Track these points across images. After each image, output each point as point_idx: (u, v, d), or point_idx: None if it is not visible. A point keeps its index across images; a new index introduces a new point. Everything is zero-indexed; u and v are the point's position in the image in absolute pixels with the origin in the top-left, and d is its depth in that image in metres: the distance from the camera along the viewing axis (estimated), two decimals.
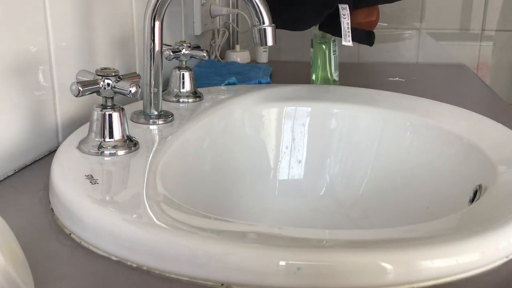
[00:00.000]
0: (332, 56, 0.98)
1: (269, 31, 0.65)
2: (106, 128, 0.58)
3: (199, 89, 0.84)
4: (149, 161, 0.57)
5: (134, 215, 0.45)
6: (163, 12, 0.66)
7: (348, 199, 0.79)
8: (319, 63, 0.99)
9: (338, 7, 0.88)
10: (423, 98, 0.85)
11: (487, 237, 0.43)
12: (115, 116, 0.58)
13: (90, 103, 0.73)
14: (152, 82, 0.68)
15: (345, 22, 0.88)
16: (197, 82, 0.84)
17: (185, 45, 0.80)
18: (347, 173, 0.81)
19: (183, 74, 0.80)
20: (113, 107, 0.58)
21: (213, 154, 0.75)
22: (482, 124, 0.73)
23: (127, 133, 0.59)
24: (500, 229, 0.44)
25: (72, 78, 0.59)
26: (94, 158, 0.57)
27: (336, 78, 1.00)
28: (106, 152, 0.57)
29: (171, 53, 0.78)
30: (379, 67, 1.33)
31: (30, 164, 0.63)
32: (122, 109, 0.59)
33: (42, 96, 0.65)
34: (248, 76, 1.06)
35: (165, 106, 0.74)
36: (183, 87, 0.80)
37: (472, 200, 0.58)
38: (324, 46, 0.98)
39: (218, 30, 1.36)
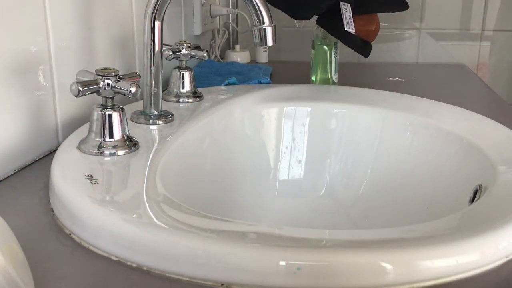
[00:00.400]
0: (333, 59, 0.98)
1: (269, 31, 0.65)
2: (106, 128, 0.58)
3: (199, 89, 0.84)
4: (149, 161, 0.57)
5: (134, 215, 0.45)
6: (163, 12, 0.66)
7: (348, 199, 0.79)
8: (319, 64, 0.99)
9: (339, 3, 0.87)
10: (423, 98, 0.85)
11: (487, 237, 0.43)
12: (115, 116, 0.58)
13: (90, 103, 0.73)
14: (152, 82, 0.68)
15: (347, 14, 0.87)
16: (197, 82, 0.84)
17: (185, 45, 0.80)
18: (347, 173, 0.81)
19: (183, 74, 0.80)
20: (113, 107, 0.58)
21: (213, 154, 0.75)
22: (482, 124, 0.73)
23: (127, 133, 0.59)
24: (500, 229, 0.44)
25: (72, 78, 0.59)
26: (94, 158, 0.57)
27: (336, 80, 1.00)
28: (106, 152, 0.57)
29: (171, 53, 0.78)
30: (379, 67, 1.33)
31: (30, 164, 0.63)
32: (122, 109, 0.59)
33: (42, 96, 0.65)
34: (248, 76, 1.06)
35: (165, 106, 0.74)
36: (183, 87, 0.80)
37: (472, 200, 0.58)
38: (325, 48, 0.98)
39: (218, 30, 1.36)
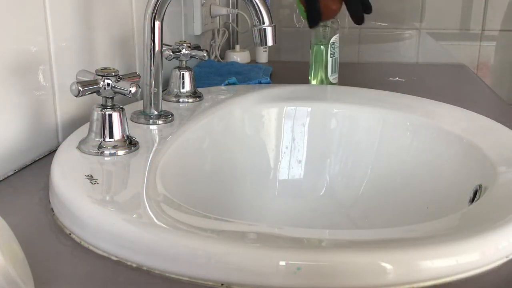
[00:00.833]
0: (330, 59, 0.98)
1: (269, 31, 0.65)
2: (106, 128, 0.58)
3: (199, 89, 0.84)
4: (149, 161, 0.57)
5: (134, 215, 0.45)
6: (163, 12, 0.66)
7: (348, 199, 0.79)
8: (316, 65, 0.99)
9: None
10: (423, 98, 0.85)
11: (487, 237, 0.43)
12: (115, 116, 0.58)
13: (90, 103, 0.73)
14: (152, 82, 0.68)
15: None
16: (197, 82, 0.84)
17: (185, 45, 0.80)
18: (347, 173, 0.81)
19: (183, 74, 0.80)
20: (113, 107, 0.58)
21: (213, 154, 0.75)
22: (482, 124, 0.73)
23: (127, 133, 0.59)
24: (500, 229, 0.44)
25: (72, 78, 0.59)
26: (94, 158, 0.57)
27: (333, 81, 1.00)
28: (106, 152, 0.57)
29: (171, 53, 0.78)
30: (379, 67, 1.33)
31: (30, 164, 0.63)
32: (122, 109, 0.59)
33: (42, 96, 0.65)
34: (248, 76, 1.06)
35: (165, 106, 0.74)
36: (183, 87, 0.80)
37: (472, 200, 0.58)
38: (322, 48, 0.98)
39: (218, 30, 1.36)
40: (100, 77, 0.57)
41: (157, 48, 0.67)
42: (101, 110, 0.58)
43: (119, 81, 0.58)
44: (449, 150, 0.70)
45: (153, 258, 0.41)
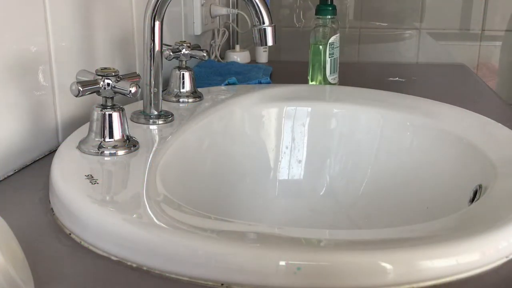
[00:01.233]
0: (328, 59, 0.98)
1: (269, 31, 0.65)
2: (106, 128, 0.58)
3: (199, 89, 0.84)
4: (149, 161, 0.57)
5: (134, 215, 0.45)
6: (163, 12, 0.66)
7: (348, 199, 0.79)
8: (314, 65, 0.99)
9: None
10: (423, 98, 0.85)
11: (487, 237, 0.43)
12: (115, 116, 0.58)
13: (90, 103, 0.73)
14: (152, 82, 0.68)
15: None
16: (197, 82, 0.84)
17: (185, 45, 0.80)
18: (347, 173, 0.81)
19: (183, 74, 0.80)
20: (113, 107, 0.58)
21: (213, 154, 0.75)
22: (482, 124, 0.73)
23: (127, 133, 0.59)
24: (500, 229, 0.44)
25: (72, 78, 0.59)
26: (94, 158, 0.57)
27: (332, 81, 1.00)
28: (106, 152, 0.57)
29: (171, 53, 0.78)
30: (379, 67, 1.33)
31: (30, 164, 0.63)
32: (122, 109, 0.59)
33: (42, 96, 0.65)
34: (248, 76, 1.06)
35: (165, 106, 0.74)
36: (183, 87, 0.80)
37: (472, 200, 0.58)
38: (320, 48, 0.98)
39: (218, 30, 1.36)
40: (100, 77, 0.57)
41: (157, 48, 0.67)
42: (101, 110, 0.58)
43: (119, 81, 0.58)
44: (449, 150, 0.70)
45: (153, 258, 0.41)
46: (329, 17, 0.97)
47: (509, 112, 0.88)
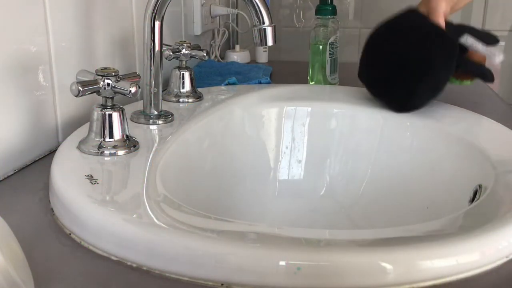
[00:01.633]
0: (328, 59, 0.98)
1: (269, 31, 0.65)
2: (106, 128, 0.58)
3: (199, 89, 0.84)
4: (149, 161, 0.57)
5: (134, 215, 0.45)
6: (163, 12, 0.66)
7: (348, 199, 0.79)
8: (314, 65, 0.99)
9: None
10: None
11: (487, 237, 0.43)
12: (115, 116, 0.58)
13: (90, 103, 0.73)
14: (152, 82, 0.68)
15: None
16: (197, 82, 0.84)
17: (185, 45, 0.80)
18: (347, 173, 0.81)
19: (183, 74, 0.80)
20: (113, 107, 0.58)
21: (213, 154, 0.75)
22: (482, 124, 0.73)
23: (127, 133, 0.59)
24: (500, 229, 0.44)
25: (72, 78, 0.59)
26: (94, 158, 0.57)
27: (332, 81, 1.00)
28: (106, 152, 0.57)
29: (171, 53, 0.78)
30: None
31: (30, 164, 0.63)
32: (122, 109, 0.59)
33: (42, 96, 0.65)
34: (248, 76, 1.06)
35: (165, 106, 0.74)
36: (183, 87, 0.80)
37: (472, 200, 0.58)
38: (320, 48, 0.98)
39: (218, 30, 1.36)
40: (100, 77, 0.57)
41: (157, 48, 0.67)
42: (101, 110, 0.58)
43: (119, 81, 0.58)
44: (449, 150, 0.70)
45: (153, 258, 0.41)
46: (329, 17, 0.97)
47: (509, 112, 0.88)
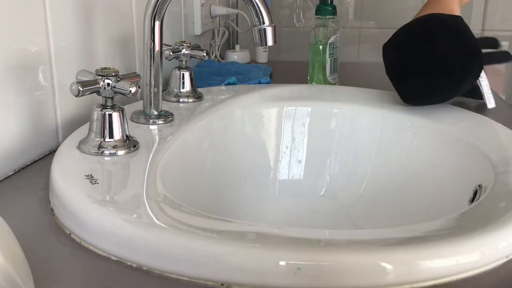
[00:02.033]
0: (328, 59, 0.98)
1: (269, 31, 0.65)
2: (106, 128, 0.58)
3: (199, 89, 0.84)
4: (149, 161, 0.57)
5: (134, 215, 0.45)
6: (163, 12, 0.66)
7: (348, 199, 0.79)
8: (314, 65, 0.99)
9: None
10: None
11: (487, 237, 0.43)
12: (115, 116, 0.58)
13: (90, 103, 0.73)
14: (152, 82, 0.68)
15: (484, 84, 0.81)
16: (197, 82, 0.84)
17: (185, 45, 0.80)
18: (347, 173, 0.81)
19: (183, 74, 0.80)
20: (113, 107, 0.58)
21: (213, 154, 0.75)
22: (482, 124, 0.73)
23: (127, 133, 0.60)
24: (500, 229, 0.44)
25: (72, 78, 0.59)
26: (94, 158, 0.57)
27: (332, 81, 0.99)
28: (106, 152, 0.57)
29: (171, 53, 0.78)
30: (379, 67, 1.33)
31: (30, 164, 0.63)
32: (122, 109, 0.59)
33: (42, 96, 0.65)
34: (248, 76, 1.06)
35: (165, 106, 0.74)
36: (183, 87, 0.80)
37: (472, 200, 0.58)
38: (320, 48, 0.98)
39: (218, 30, 1.36)
40: (100, 77, 0.57)
41: (157, 48, 0.67)
42: (101, 110, 0.58)
43: (119, 81, 0.58)
44: (449, 150, 0.70)
45: (153, 258, 0.41)
46: (329, 17, 0.97)
47: (509, 112, 0.88)
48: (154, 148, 0.61)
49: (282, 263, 0.39)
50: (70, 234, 0.47)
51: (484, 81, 0.81)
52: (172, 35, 1.06)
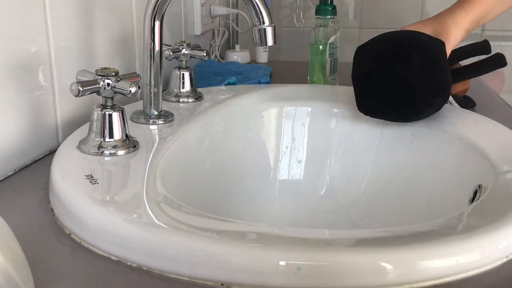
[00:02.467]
0: (328, 59, 0.98)
1: (269, 31, 0.65)
2: (106, 128, 0.58)
3: (199, 89, 0.84)
4: (149, 161, 0.57)
5: (134, 215, 0.45)
6: (163, 12, 0.66)
7: (348, 199, 0.79)
8: (314, 65, 0.99)
9: None
10: None
11: (487, 237, 0.43)
12: (115, 116, 0.58)
13: (90, 103, 0.73)
14: (152, 82, 0.68)
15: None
16: (197, 82, 0.84)
17: (185, 45, 0.80)
18: (347, 173, 0.81)
19: (183, 74, 0.80)
20: (113, 107, 0.58)
21: (213, 154, 0.75)
22: (482, 124, 0.73)
23: (127, 133, 0.60)
24: (500, 229, 0.44)
25: (72, 78, 0.59)
26: (94, 158, 0.57)
27: (332, 81, 0.99)
28: (106, 152, 0.57)
29: (171, 53, 0.78)
30: None
31: (30, 164, 0.63)
32: (122, 109, 0.59)
33: (42, 96, 0.65)
34: (248, 76, 1.06)
35: (165, 106, 0.74)
36: (183, 87, 0.80)
37: (472, 200, 0.58)
38: (320, 48, 0.98)
39: (218, 30, 1.36)
40: (100, 77, 0.57)
41: (157, 48, 0.67)
42: (101, 110, 0.58)
43: (119, 81, 0.58)
44: (449, 150, 0.70)
45: (153, 258, 0.41)
46: (329, 17, 0.97)
47: (509, 112, 0.88)
48: (154, 148, 0.61)
49: (282, 263, 0.39)
50: (70, 234, 0.47)
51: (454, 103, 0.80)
52: (172, 35, 1.06)
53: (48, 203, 0.52)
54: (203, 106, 0.78)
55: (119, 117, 0.58)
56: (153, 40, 0.67)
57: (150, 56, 0.67)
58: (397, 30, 0.76)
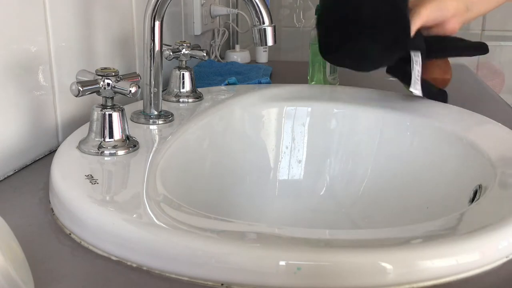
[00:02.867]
0: None
1: (269, 31, 0.65)
2: (106, 128, 0.58)
3: (199, 89, 0.84)
4: (149, 161, 0.57)
5: (134, 215, 0.45)
6: (163, 12, 0.66)
7: (348, 199, 0.79)
8: (314, 65, 0.99)
9: (410, 53, 0.79)
10: (423, 98, 0.85)
11: (487, 237, 0.43)
12: (115, 116, 0.58)
13: (90, 103, 0.73)
14: (152, 82, 0.68)
15: (416, 68, 0.79)
16: (197, 82, 0.84)
17: (185, 45, 0.80)
18: (347, 173, 0.81)
19: (183, 74, 0.80)
20: (113, 107, 0.58)
21: (213, 154, 0.75)
22: (482, 124, 0.73)
23: (127, 133, 0.60)
24: (500, 229, 0.44)
25: (72, 78, 0.59)
26: (94, 158, 0.57)
27: (332, 81, 0.99)
28: (106, 152, 0.57)
29: (171, 53, 0.78)
30: None
31: (30, 164, 0.63)
32: (122, 109, 0.59)
33: (42, 96, 0.65)
34: (248, 76, 1.06)
35: (165, 106, 0.74)
36: (183, 87, 0.80)
37: (472, 200, 0.58)
38: None
39: (218, 30, 1.36)
40: (100, 77, 0.57)
41: (157, 48, 0.67)
42: (101, 110, 0.58)
43: (119, 81, 0.58)
44: (449, 150, 0.70)
45: (153, 258, 0.41)
46: None
47: (509, 112, 0.88)
48: (154, 148, 0.61)
49: (282, 263, 0.39)
50: (70, 234, 0.47)
51: (417, 67, 0.80)
52: (172, 35, 1.06)
53: (48, 203, 0.52)
54: (203, 106, 0.78)
55: (119, 117, 0.58)
56: (153, 40, 0.67)
57: (150, 56, 0.67)
58: None
